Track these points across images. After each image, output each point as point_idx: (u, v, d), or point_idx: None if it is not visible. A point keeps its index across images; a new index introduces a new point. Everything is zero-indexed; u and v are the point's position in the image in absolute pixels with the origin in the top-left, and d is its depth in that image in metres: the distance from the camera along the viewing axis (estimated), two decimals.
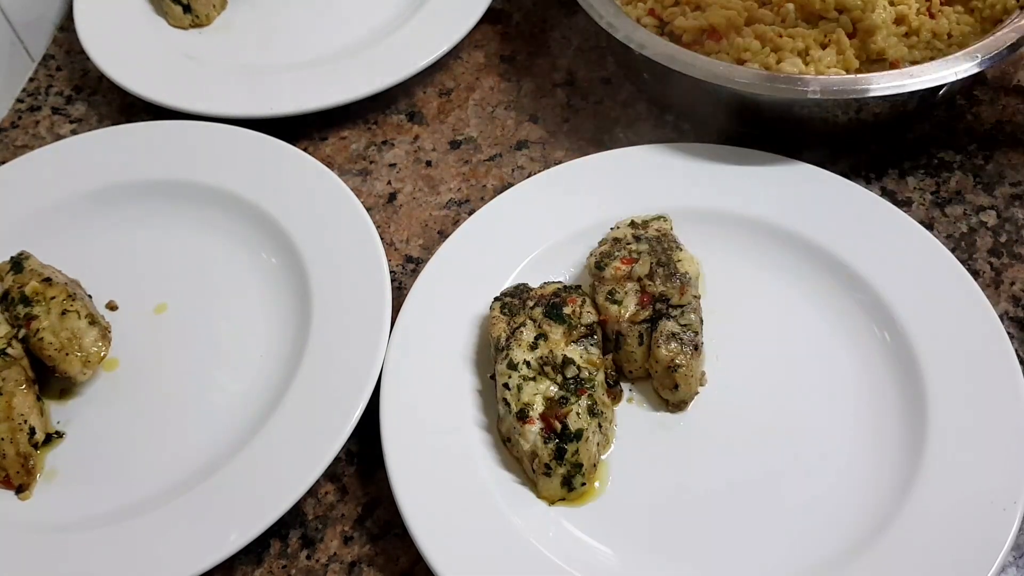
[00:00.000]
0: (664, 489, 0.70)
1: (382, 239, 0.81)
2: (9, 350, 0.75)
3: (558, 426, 0.68)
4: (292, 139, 0.92)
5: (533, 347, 0.72)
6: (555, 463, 0.68)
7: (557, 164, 0.88)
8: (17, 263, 0.80)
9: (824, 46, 0.87)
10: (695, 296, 0.75)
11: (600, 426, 0.70)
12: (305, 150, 0.91)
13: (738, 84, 0.81)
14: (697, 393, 0.74)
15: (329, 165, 0.91)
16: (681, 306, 0.73)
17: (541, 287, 0.76)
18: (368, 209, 0.85)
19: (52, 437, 0.75)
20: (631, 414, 0.74)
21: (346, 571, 0.70)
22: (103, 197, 0.88)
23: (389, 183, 0.92)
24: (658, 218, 0.80)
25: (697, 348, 0.72)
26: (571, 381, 0.70)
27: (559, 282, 0.77)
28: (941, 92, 0.86)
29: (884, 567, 0.64)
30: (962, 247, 0.84)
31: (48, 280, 0.78)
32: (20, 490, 0.72)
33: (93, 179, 0.89)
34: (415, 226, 0.89)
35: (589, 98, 0.98)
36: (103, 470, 0.74)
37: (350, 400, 0.72)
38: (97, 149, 0.91)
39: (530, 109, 0.98)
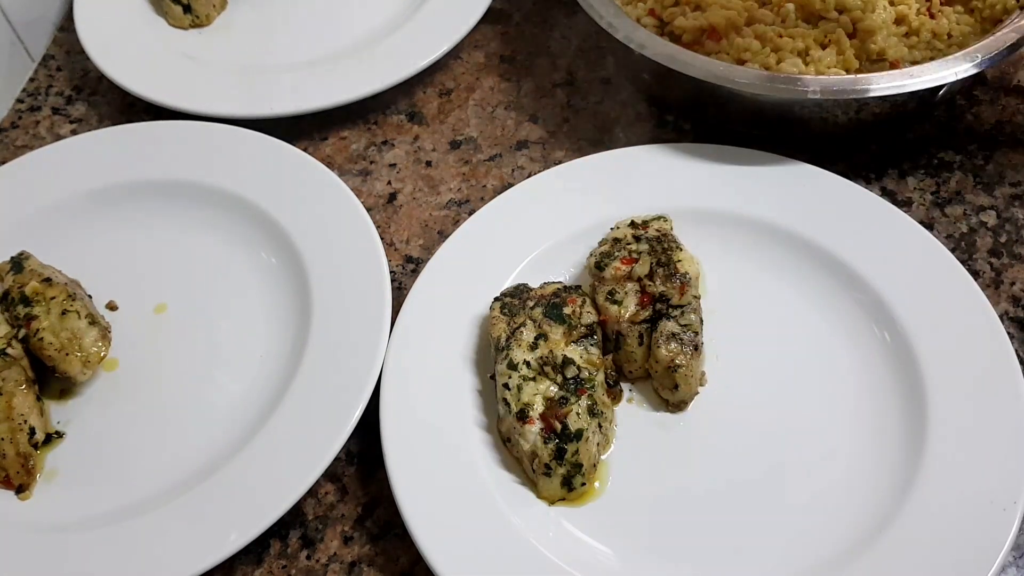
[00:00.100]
0: (664, 489, 0.70)
1: (382, 239, 0.81)
2: (9, 350, 0.75)
3: (558, 426, 0.68)
4: (292, 139, 0.92)
5: (533, 347, 0.72)
6: (555, 463, 0.68)
7: (557, 164, 0.88)
8: (17, 263, 0.80)
9: (824, 46, 0.87)
10: (695, 296, 0.75)
11: (600, 426, 0.70)
12: (305, 150, 0.91)
13: (738, 84, 0.81)
14: (697, 393, 0.74)
15: (329, 165, 0.91)
16: (681, 306, 0.73)
17: (541, 287, 0.76)
18: (368, 209, 0.85)
19: (52, 437, 0.75)
20: (631, 414, 0.74)
21: (346, 571, 0.70)
22: (103, 197, 0.88)
23: (389, 183, 0.92)
24: (658, 218, 0.80)
25: (697, 348, 0.72)
26: (571, 381, 0.70)
27: (559, 282, 0.77)
28: (941, 92, 0.86)
29: (884, 567, 0.64)
30: (962, 247, 0.84)
31: (48, 280, 0.78)
32: (20, 490, 0.72)
33: (93, 179, 0.89)
34: (415, 226, 0.89)
35: (589, 98, 0.98)
36: (103, 470, 0.74)
37: (350, 400, 0.72)
38: (97, 149, 0.91)
39: (530, 109, 0.98)
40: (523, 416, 0.69)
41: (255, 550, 0.70)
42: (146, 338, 0.81)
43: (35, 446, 0.73)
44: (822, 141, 0.89)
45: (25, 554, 0.68)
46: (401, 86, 0.96)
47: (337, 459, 0.72)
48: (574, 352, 0.72)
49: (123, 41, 1.01)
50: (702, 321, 0.74)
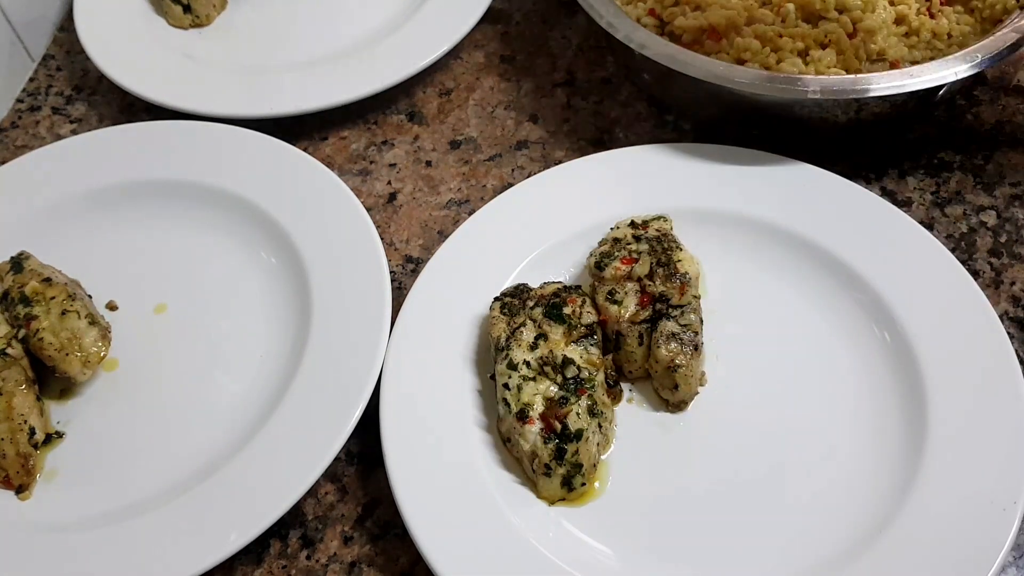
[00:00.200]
0: (664, 489, 0.70)
1: (382, 239, 0.81)
2: (9, 350, 0.75)
3: (558, 426, 0.68)
4: (292, 139, 0.92)
5: (533, 347, 0.72)
6: (555, 463, 0.68)
7: (557, 164, 0.88)
8: (17, 263, 0.80)
9: (824, 46, 0.87)
10: (695, 296, 0.75)
11: (600, 426, 0.70)
12: (305, 150, 0.91)
13: (738, 84, 0.81)
14: (697, 393, 0.74)
15: (329, 165, 0.91)
16: (681, 306, 0.73)
17: (541, 287, 0.76)
18: (368, 209, 0.85)
19: (52, 437, 0.75)
20: (631, 414, 0.74)
21: (346, 571, 0.70)
22: (103, 197, 0.88)
23: (389, 183, 0.92)
24: (658, 218, 0.80)
25: (697, 348, 0.72)
26: (571, 381, 0.70)
27: (559, 282, 0.77)
28: (941, 92, 0.86)
29: (884, 567, 0.64)
30: (962, 247, 0.84)
31: (48, 280, 0.78)
32: (20, 490, 0.72)
33: (93, 179, 0.89)
34: (415, 226, 0.89)
35: (589, 98, 0.98)
36: (103, 470, 0.74)
37: (350, 400, 0.72)
38: (97, 149, 0.91)
39: (530, 109, 0.98)
40: (523, 416, 0.69)
41: (255, 550, 0.70)
42: (146, 338, 0.81)
43: (35, 446, 0.73)
44: (822, 141, 0.89)
45: (25, 554, 0.68)
46: (401, 86, 0.96)
47: (337, 459, 0.72)
48: (574, 352, 0.72)
49: (123, 41, 1.01)
50: (702, 321, 0.74)
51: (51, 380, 0.77)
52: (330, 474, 0.74)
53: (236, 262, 0.85)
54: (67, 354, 0.75)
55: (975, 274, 0.81)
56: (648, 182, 0.84)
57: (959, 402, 0.70)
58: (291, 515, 0.71)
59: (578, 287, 0.77)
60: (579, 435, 0.68)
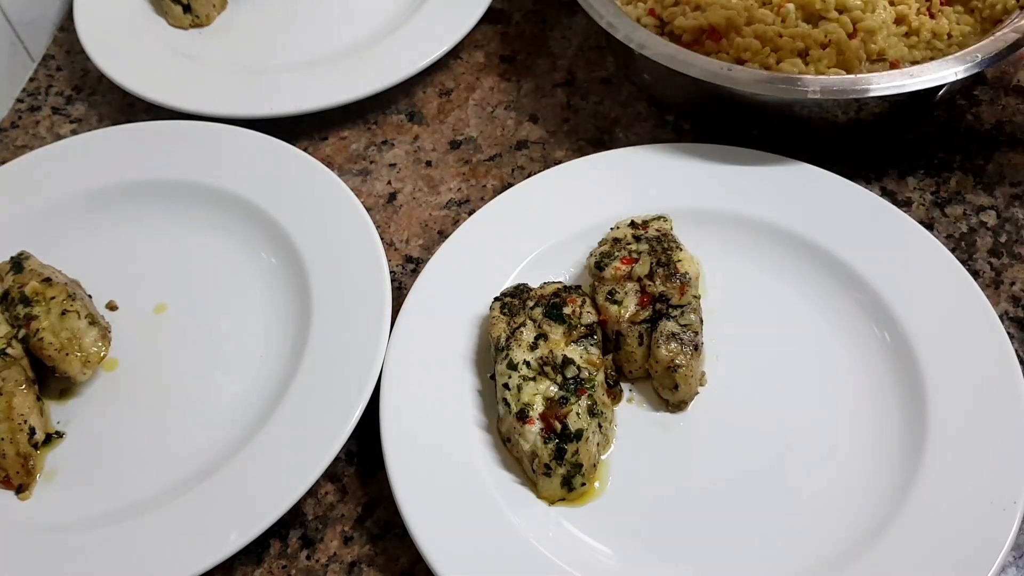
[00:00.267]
0: (664, 489, 0.70)
1: (382, 239, 0.81)
2: (9, 350, 0.75)
3: (558, 426, 0.68)
4: (292, 139, 0.92)
5: (533, 347, 0.72)
6: (555, 463, 0.68)
7: (557, 164, 0.88)
8: (17, 263, 0.80)
9: (824, 46, 0.87)
10: (695, 296, 0.75)
11: (600, 426, 0.70)
12: (305, 150, 0.91)
13: (738, 84, 0.81)
14: (697, 393, 0.74)
15: (329, 165, 0.91)
16: (681, 306, 0.73)
17: (541, 287, 0.76)
18: (368, 209, 0.85)
19: (52, 437, 0.75)
20: (631, 414, 0.74)
21: (346, 571, 0.70)
22: (103, 197, 0.88)
23: (389, 183, 0.92)
24: (658, 218, 0.80)
25: (697, 348, 0.72)
26: (571, 381, 0.70)
27: (559, 282, 0.77)
28: (941, 92, 0.86)
29: (884, 567, 0.64)
30: (962, 247, 0.84)
31: (48, 280, 0.78)
32: (20, 490, 0.72)
33: (93, 179, 0.89)
34: (415, 226, 0.89)
35: (589, 98, 0.98)
36: (103, 470, 0.74)
37: (350, 400, 0.72)
38: (97, 149, 0.91)
39: (530, 109, 0.98)
40: (523, 416, 0.69)
41: (255, 550, 0.70)
42: (146, 338, 0.81)
43: (35, 446, 0.73)
44: (822, 141, 0.89)
45: (25, 554, 0.68)
46: (401, 86, 0.97)
47: (337, 459, 0.72)
48: (574, 352, 0.72)
49: (123, 41, 1.01)
50: (702, 321, 0.74)
51: (51, 380, 0.77)
52: (330, 474, 0.74)
53: (236, 262, 0.85)
54: (67, 354, 0.75)
55: (975, 274, 0.81)
56: (648, 182, 0.84)
57: (959, 402, 0.70)
58: (291, 515, 0.71)
59: (578, 287, 0.77)
60: (579, 435, 0.68)
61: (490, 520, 0.67)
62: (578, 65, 1.01)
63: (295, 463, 0.69)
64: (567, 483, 0.68)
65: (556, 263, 0.81)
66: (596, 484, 0.70)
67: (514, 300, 0.75)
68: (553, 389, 0.70)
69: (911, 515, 0.66)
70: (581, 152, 0.92)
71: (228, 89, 0.96)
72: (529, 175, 0.88)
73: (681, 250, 0.77)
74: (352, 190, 0.85)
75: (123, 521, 0.69)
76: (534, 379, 0.70)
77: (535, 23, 1.06)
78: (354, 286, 0.78)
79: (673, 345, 0.72)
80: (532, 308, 0.74)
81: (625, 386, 0.75)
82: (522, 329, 0.73)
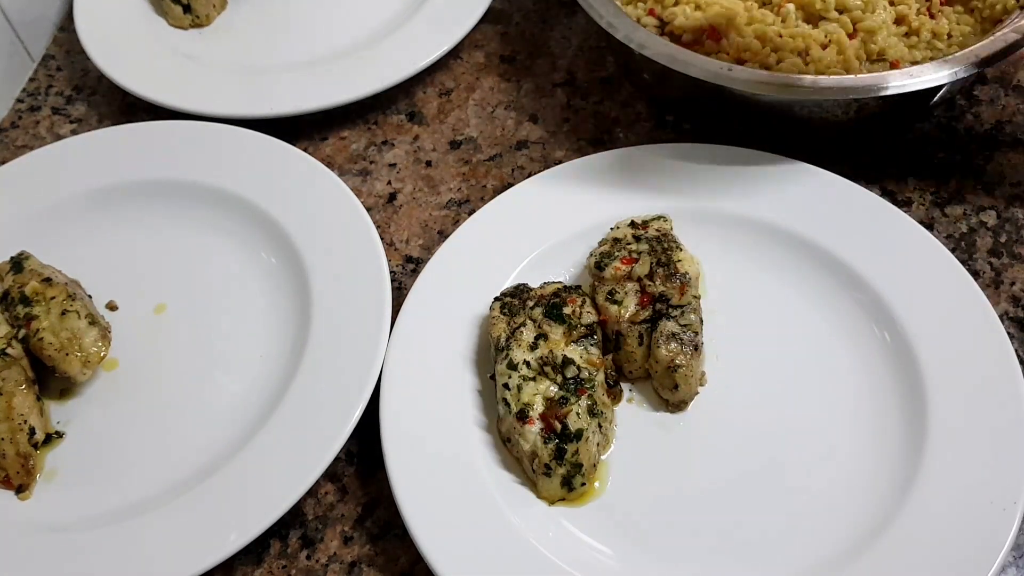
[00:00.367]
0: (664, 489, 0.70)
1: (382, 239, 0.81)
2: (9, 350, 0.75)
3: (558, 426, 0.68)
4: (292, 139, 0.92)
5: (533, 347, 0.72)
6: (555, 463, 0.68)
7: (557, 164, 0.88)
8: (17, 263, 0.80)
9: (824, 46, 0.87)
10: (695, 296, 0.75)
11: (600, 426, 0.70)
12: (305, 150, 0.91)
13: (738, 84, 0.81)
14: (697, 393, 0.74)
15: (329, 165, 0.91)
16: (681, 306, 0.73)
17: (541, 287, 0.76)
18: (368, 209, 0.85)
19: (52, 437, 0.75)
20: (631, 414, 0.74)
21: (346, 571, 0.70)
22: (103, 197, 0.88)
23: (389, 183, 0.92)
24: (658, 218, 0.80)
25: (697, 348, 0.72)
26: (571, 381, 0.70)
27: (559, 282, 0.77)
28: (941, 92, 0.86)
29: (884, 567, 0.64)
30: (962, 247, 0.84)
31: (48, 280, 0.78)
32: (20, 490, 0.72)
33: (93, 179, 0.89)
34: (415, 226, 0.89)
35: (589, 98, 0.98)
36: (103, 470, 0.74)
37: (350, 400, 0.72)
38: (97, 149, 0.91)
39: (530, 109, 0.98)
40: (523, 416, 0.69)
41: (255, 550, 0.70)
42: (146, 338, 0.81)
43: (35, 446, 0.73)
44: (822, 141, 0.89)
45: (25, 554, 0.68)
46: (401, 86, 0.97)
47: (337, 459, 0.72)
48: (574, 352, 0.72)
49: (123, 41, 1.01)
50: (702, 321, 0.74)
51: (51, 380, 0.77)
52: (330, 474, 0.74)
53: (236, 262, 0.85)
54: (67, 354, 0.75)
55: (975, 274, 0.81)
56: (648, 182, 0.84)
57: (959, 402, 0.70)
58: (291, 515, 0.71)
59: (578, 287, 0.77)
60: (579, 435, 0.68)
61: (490, 520, 0.67)
62: (578, 65, 1.01)
63: (295, 463, 0.69)
64: (567, 483, 0.68)
65: (556, 263, 0.81)
66: (596, 484, 0.70)
67: (514, 300, 0.75)
68: (553, 389, 0.70)
69: (911, 515, 0.66)
70: (581, 152, 0.92)
71: (228, 89, 0.96)
72: (529, 175, 0.88)
73: (681, 250, 0.77)
74: (352, 190, 0.85)
75: (123, 521, 0.69)
76: (534, 379, 0.70)
77: (535, 23, 1.06)
78: (354, 286, 0.78)
79: (673, 345, 0.72)
80: (532, 308, 0.74)
81: (625, 386, 0.75)
82: (522, 329, 0.73)
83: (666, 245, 0.76)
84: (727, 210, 0.83)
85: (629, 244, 0.77)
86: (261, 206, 0.85)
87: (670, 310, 0.73)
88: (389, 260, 0.81)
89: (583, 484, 0.69)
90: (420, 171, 0.93)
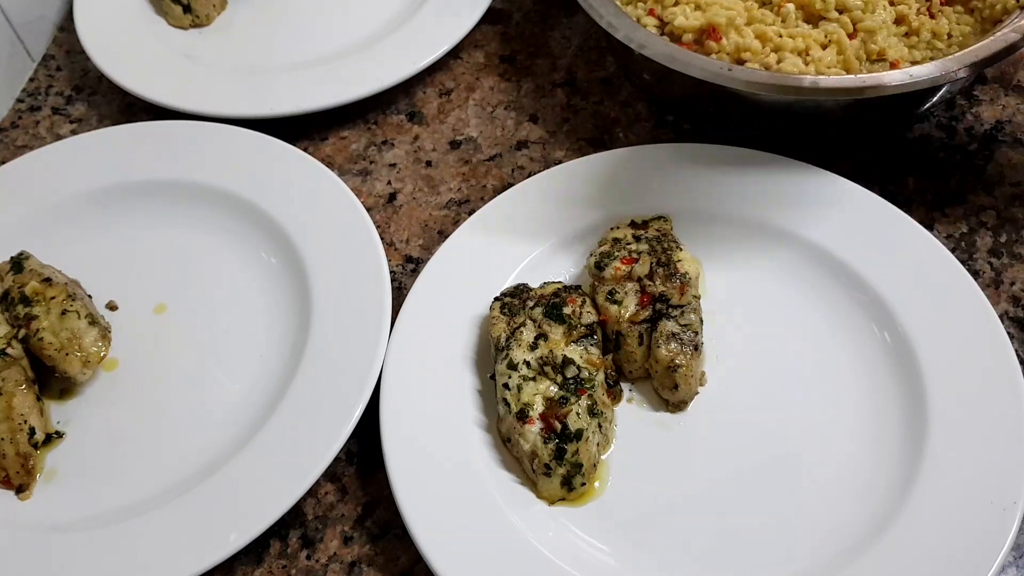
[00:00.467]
0: (664, 489, 0.70)
1: (382, 239, 0.81)
2: (9, 350, 0.75)
3: (558, 426, 0.68)
4: (292, 139, 0.92)
5: (533, 347, 0.72)
6: (555, 463, 0.68)
7: (557, 164, 0.88)
8: (17, 263, 0.80)
9: (824, 46, 0.87)
10: (695, 296, 0.75)
11: (600, 426, 0.70)
12: (305, 150, 0.91)
13: (738, 84, 0.81)
14: (697, 393, 0.74)
15: (329, 165, 0.91)
16: (681, 306, 0.73)
17: (541, 287, 0.76)
18: (368, 209, 0.85)
19: (52, 437, 0.75)
20: (631, 414, 0.74)
21: (346, 571, 0.70)
22: (103, 197, 0.88)
23: (389, 183, 0.92)
24: (658, 218, 0.80)
25: (697, 348, 0.72)
26: (571, 381, 0.70)
27: (559, 282, 0.77)
28: (941, 92, 0.86)
29: (884, 567, 0.64)
30: (962, 247, 0.84)
31: (48, 280, 0.78)
32: (20, 490, 0.72)
33: (93, 179, 0.89)
34: (415, 226, 0.89)
35: (589, 98, 0.98)
36: (103, 470, 0.74)
37: (350, 400, 0.72)
38: (97, 149, 0.91)
39: (530, 109, 0.98)
40: (523, 416, 0.69)
41: (255, 550, 0.70)
42: (146, 338, 0.81)
43: (35, 446, 0.73)
44: (822, 141, 0.89)
45: (25, 554, 0.68)
46: (401, 86, 0.97)
47: (337, 459, 0.72)
48: (574, 352, 0.72)
49: (123, 41, 1.01)
50: (702, 321, 0.74)
51: (51, 380, 0.78)
52: (330, 474, 0.74)
53: (236, 262, 0.85)
54: (67, 354, 0.75)
55: (975, 274, 0.81)
56: (648, 182, 0.84)
57: (959, 402, 0.70)
58: (291, 515, 0.71)
59: (578, 287, 0.77)
60: (579, 435, 0.68)
61: (490, 520, 0.67)
62: (578, 65, 1.01)
63: (295, 463, 0.69)
64: (567, 483, 0.68)
65: (556, 263, 0.81)
66: (596, 484, 0.70)
67: (514, 300, 0.75)
68: (553, 389, 0.70)
69: (911, 515, 0.66)
70: (581, 152, 0.92)
71: (228, 89, 0.96)
72: (529, 175, 0.88)
73: (681, 250, 0.77)
74: (352, 190, 0.85)
75: (123, 521, 0.69)
76: (534, 379, 0.70)
77: (535, 23, 1.06)
78: (354, 286, 0.78)
79: (673, 345, 0.72)
80: (532, 308, 0.74)
81: (625, 386, 0.75)
82: (522, 329, 0.73)
83: (666, 245, 0.76)
84: (727, 210, 0.83)
85: (629, 244, 0.77)
86: (261, 206, 0.85)
87: (670, 310, 0.73)
88: (389, 260, 0.81)
89: (583, 484, 0.69)
90: (420, 171, 0.93)
